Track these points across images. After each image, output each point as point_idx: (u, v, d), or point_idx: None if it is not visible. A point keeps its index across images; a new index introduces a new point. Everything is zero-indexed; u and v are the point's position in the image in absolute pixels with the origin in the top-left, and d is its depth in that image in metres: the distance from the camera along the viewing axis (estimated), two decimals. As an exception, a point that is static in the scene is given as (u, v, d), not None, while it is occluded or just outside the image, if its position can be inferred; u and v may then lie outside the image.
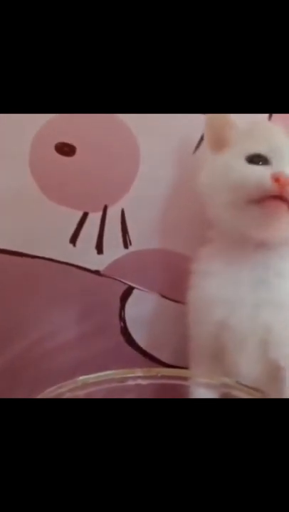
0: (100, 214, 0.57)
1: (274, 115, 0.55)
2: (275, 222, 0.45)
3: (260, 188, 0.44)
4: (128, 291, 0.59)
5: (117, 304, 0.59)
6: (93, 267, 0.58)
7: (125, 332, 0.60)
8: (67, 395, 0.46)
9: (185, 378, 0.49)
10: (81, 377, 0.47)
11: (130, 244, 0.58)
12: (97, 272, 0.58)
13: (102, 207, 0.57)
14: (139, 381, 0.50)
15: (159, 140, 0.55)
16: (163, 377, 0.51)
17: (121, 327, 0.60)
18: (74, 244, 0.56)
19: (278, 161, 0.45)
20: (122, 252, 0.58)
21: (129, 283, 0.59)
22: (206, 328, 0.49)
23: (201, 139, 0.54)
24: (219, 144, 0.49)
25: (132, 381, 0.50)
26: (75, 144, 0.55)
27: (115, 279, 0.58)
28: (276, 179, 0.43)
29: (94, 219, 0.56)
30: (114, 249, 0.58)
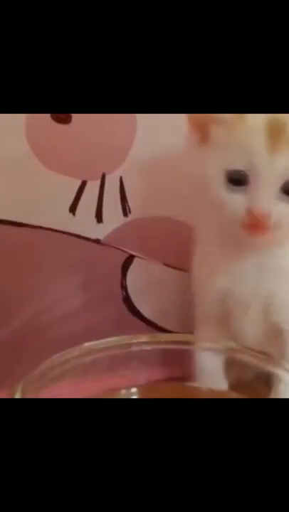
0: (98, 182, 0.56)
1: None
2: (259, 239, 0.45)
3: (235, 218, 0.44)
4: (129, 260, 0.59)
5: (119, 272, 0.59)
6: (93, 236, 0.57)
7: (127, 301, 0.60)
8: (73, 362, 0.46)
9: (189, 343, 0.49)
10: (86, 344, 0.47)
11: (130, 212, 0.57)
12: (97, 241, 0.58)
13: (101, 175, 0.56)
14: (144, 347, 0.50)
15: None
16: (167, 342, 0.51)
17: (123, 296, 0.60)
18: (73, 214, 0.56)
19: (256, 183, 0.43)
20: (121, 220, 0.58)
21: (130, 251, 0.59)
22: (209, 296, 0.49)
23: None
24: (202, 133, 0.46)
25: (136, 347, 0.50)
26: (70, 111, 0.54)
27: (116, 248, 0.58)
28: (249, 212, 0.43)
29: (93, 187, 0.56)
30: (114, 217, 0.57)
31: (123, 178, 0.56)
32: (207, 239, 0.50)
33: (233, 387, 0.50)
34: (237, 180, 0.44)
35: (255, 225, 0.43)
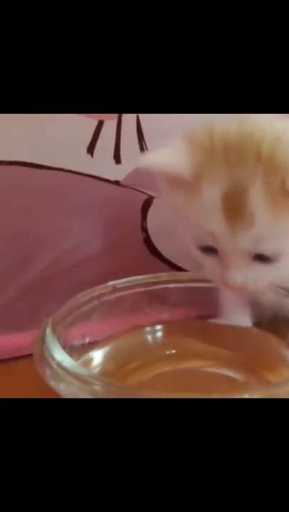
0: (115, 122, 0.55)
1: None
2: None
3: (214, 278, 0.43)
4: (149, 201, 0.59)
5: (139, 214, 0.59)
6: (112, 178, 0.57)
7: (148, 242, 0.60)
8: (99, 300, 0.47)
9: (211, 281, 0.50)
10: (111, 282, 0.48)
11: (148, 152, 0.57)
12: (117, 183, 0.57)
13: (117, 114, 0.55)
14: (167, 285, 0.51)
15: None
16: (189, 280, 0.51)
17: (144, 237, 0.60)
18: (92, 155, 0.55)
19: (225, 258, 0.41)
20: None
21: (149, 192, 0.58)
22: None
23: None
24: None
25: (159, 285, 0.51)
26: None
27: (135, 189, 0.58)
28: (226, 286, 0.42)
29: (110, 127, 0.55)
30: (132, 158, 0.56)
31: (140, 117, 0.56)
32: None
33: (254, 325, 0.51)
34: (208, 249, 0.42)
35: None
